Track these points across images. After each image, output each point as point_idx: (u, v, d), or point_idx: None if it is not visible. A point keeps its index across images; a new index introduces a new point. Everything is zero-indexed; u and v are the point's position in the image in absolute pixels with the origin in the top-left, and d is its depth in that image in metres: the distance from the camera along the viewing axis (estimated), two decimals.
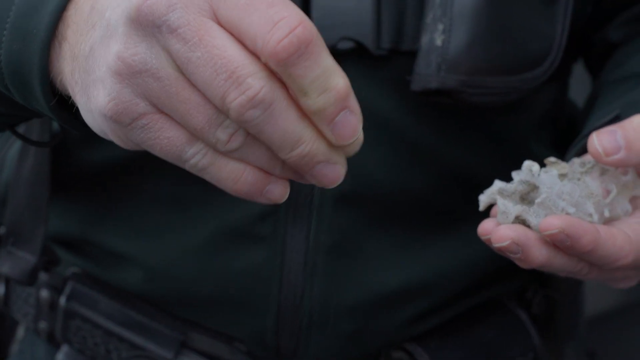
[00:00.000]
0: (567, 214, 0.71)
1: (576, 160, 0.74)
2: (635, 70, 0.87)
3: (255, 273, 0.83)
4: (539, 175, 0.72)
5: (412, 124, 0.82)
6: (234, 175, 0.56)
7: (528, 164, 0.73)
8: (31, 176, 0.88)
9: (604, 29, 0.93)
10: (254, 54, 0.54)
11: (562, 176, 0.73)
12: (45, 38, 0.60)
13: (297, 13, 0.53)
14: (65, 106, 0.62)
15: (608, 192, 0.73)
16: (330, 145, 0.56)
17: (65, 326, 0.88)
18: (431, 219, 0.85)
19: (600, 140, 0.73)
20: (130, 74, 0.55)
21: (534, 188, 0.72)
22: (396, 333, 0.86)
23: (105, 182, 0.86)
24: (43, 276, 0.90)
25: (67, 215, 0.89)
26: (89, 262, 0.89)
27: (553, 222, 0.68)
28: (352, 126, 0.55)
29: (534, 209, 0.71)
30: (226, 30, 0.54)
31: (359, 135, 0.55)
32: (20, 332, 0.95)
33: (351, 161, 0.58)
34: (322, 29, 0.77)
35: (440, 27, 0.79)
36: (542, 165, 0.74)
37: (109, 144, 0.61)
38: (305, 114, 0.55)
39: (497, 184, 0.73)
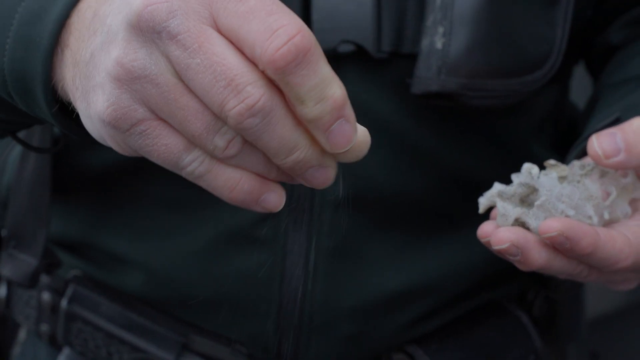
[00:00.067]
0: (567, 216, 0.71)
1: (576, 163, 0.74)
2: (636, 72, 0.87)
3: (256, 276, 0.83)
4: (538, 177, 0.72)
5: (412, 126, 0.82)
6: (230, 183, 0.57)
7: (527, 166, 0.73)
8: (32, 179, 0.88)
9: (604, 32, 0.93)
10: (253, 62, 0.54)
11: (562, 179, 0.73)
12: (48, 46, 0.60)
13: (296, 21, 0.53)
14: (66, 112, 0.63)
15: (608, 195, 0.74)
16: (323, 150, 0.56)
17: (67, 329, 0.88)
18: (431, 221, 0.86)
19: (600, 142, 0.73)
20: (129, 80, 0.55)
21: (534, 190, 0.72)
22: (396, 335, 0.86)
23: (106, 185, 0.86)
24: (44, 279, 0.90)
25: (69, 218, 0.90)
26: (90, 265, 0.89)
27: (552, 225, 0.68)
28: (347, 135, 0.55)
29: (533, 211, 0.71)
30: (226, 38, 0.54)
31: (354, 143, 0.56)
32: (22, 334, 0.95)
33: (351, 164, 0.58)
34: (322, 32, 0.78)
35: (441, 30, 0.79)
36: (542, 167, 0.74)
37: (110, 147, 0.61)
38: (300, 121, 0.55)
39: (497, 186, 0.73)
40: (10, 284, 0.94)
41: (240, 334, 0.85)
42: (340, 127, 0.55)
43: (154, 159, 0.57)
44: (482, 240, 0.71)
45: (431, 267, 0.86)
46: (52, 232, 0.90)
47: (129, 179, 0.85)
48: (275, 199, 0.58)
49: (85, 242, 0.89)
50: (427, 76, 0.79)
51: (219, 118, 0.55)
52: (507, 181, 0.74)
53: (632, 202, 0.75)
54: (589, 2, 0.91)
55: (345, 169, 0.61)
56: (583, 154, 0.78)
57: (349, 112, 0.55)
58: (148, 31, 0.54)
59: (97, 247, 0.88)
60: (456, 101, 0.80)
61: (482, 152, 0.86)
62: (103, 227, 0.87)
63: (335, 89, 0.54)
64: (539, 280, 0.93)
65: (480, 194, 0.75)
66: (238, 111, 0.53)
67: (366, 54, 0.80)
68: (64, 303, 0.88)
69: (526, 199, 0.72)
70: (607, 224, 0.73)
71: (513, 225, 0.71)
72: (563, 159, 0.83)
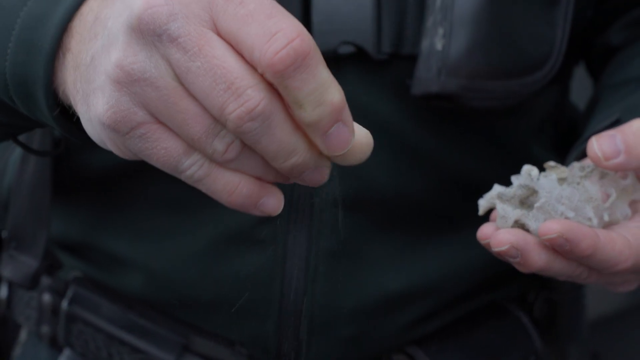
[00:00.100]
0: (567, 218, 0.71)
1: (576, 165, 0.74)
2: (636, 74, 0.87)
3: (256, 277, 0.83)
4: (538, 179, 0.72)
5: (412, 128, 0.82)
6: (229, 187, 0.57)
7: (527, 168, 0.73)
8: (33, 181, 0.88)
9: (604, 33, 0.93)
10: (253, 65, 0.54)
11: (562, 180, 0.73)
12: (50, 50, 0.60)
13: (296, 25, 0.53)
14: (67, 116, 0.63)
15: (607, 196, 0.73)
16: (320, 152, 0.56)
17: (68, 330, 0.88)
18: (431, 222, 0.86)
19: (599, 144, 0.73)
20: (129, 82, 0.55)
21: (533, 192, 0.72)
22: (397, 336, 0.86)
23: (107, 186, 0.86)
24: (45, 280, 0.90)
25: (69, 220, 0.90)
26: (90, 266, 0.89)
27: (552, 227, 0.68)
28: (344, 138, 0.55)
29: (533, 213, 0.71)
30: (226, 41, 0.54)
31: (352, 146, 0.56)
32: (23, 335, 0.95)
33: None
34: (322, 33, 0.78)
35: (441, 31, 0.79)
36: (542, 169, 0.74)
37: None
38: (298, 125, 0.55)
39: (497, 188, 0.73)
40: (11, 285, 0.94)
41: (240, 335, 0.85)
42: (338, 131, 0.55)
43: (153, 162, 0.57)
44: (482, 242, 0.71)
45: (431, 268, 0.86)
46: (53, 234, 0.90)
47: (129, 181, 0.85)
48: (273, 203, 0.58)
49: (86, 244, 0.89)
50: (427, 77, 0.79)
51: (218, 122, 0.55)
52: (508, 182, 0.74)
53: (632, 204, 0.75)
54: (589, 2, 0.91)
55: (345, 170, 0.61)
56: (583, 155, 0.78)
57: (347, 115, 0.55)
58: (148, 34, 0.54)
59: (98, 248, 0.88)
60: (456, 102, 0.80)
61: (482, 153, 0.86)
62: (103, 228, 0.87)
63: (333, 93, 0.54)
64: (539, 281, 0.93)
65: (480, 195, 0.75)
66: (238, 115, 0.53)
67: (366, 56, 0.80)
68: (64, 304, 0.88)
69: (526, 201, 0.72)
70: (607, 225, 0.73)
71: (513, 227, 0.71)
72: (563, 160, 0.83)
